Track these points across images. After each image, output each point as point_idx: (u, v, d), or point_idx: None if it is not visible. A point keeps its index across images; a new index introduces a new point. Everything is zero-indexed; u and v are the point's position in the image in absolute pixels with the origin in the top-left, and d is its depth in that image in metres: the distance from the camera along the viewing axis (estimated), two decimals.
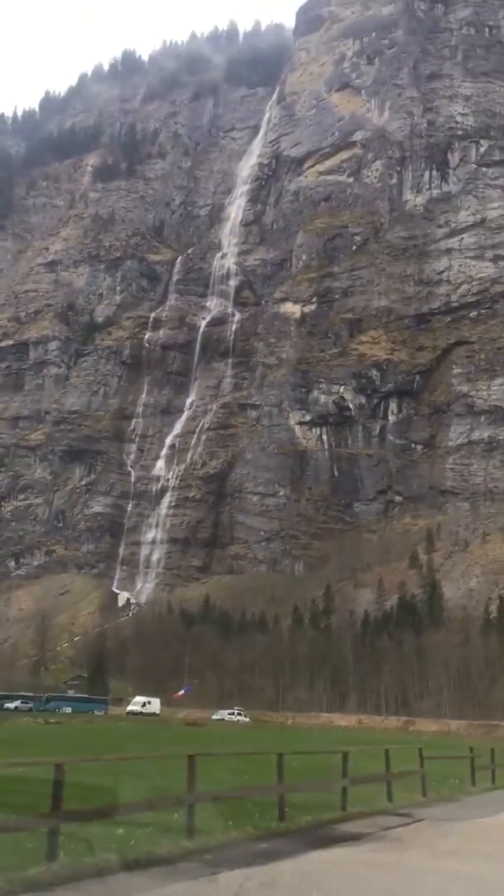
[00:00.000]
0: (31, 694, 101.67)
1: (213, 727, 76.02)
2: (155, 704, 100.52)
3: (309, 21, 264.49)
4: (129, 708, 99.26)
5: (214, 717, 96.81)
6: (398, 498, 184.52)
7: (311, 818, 17.19)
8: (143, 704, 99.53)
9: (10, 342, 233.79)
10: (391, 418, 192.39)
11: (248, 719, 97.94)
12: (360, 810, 18.93)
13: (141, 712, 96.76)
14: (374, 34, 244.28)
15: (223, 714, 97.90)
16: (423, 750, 24.71)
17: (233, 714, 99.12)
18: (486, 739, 61.46)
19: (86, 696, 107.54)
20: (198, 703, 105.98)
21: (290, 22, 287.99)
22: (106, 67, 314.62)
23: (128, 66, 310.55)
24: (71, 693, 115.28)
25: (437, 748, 33.82)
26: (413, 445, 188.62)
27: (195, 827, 13.85)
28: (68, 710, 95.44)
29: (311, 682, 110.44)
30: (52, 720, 67.03)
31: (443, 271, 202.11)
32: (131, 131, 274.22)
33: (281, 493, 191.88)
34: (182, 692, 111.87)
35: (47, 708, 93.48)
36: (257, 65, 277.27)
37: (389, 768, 21.87)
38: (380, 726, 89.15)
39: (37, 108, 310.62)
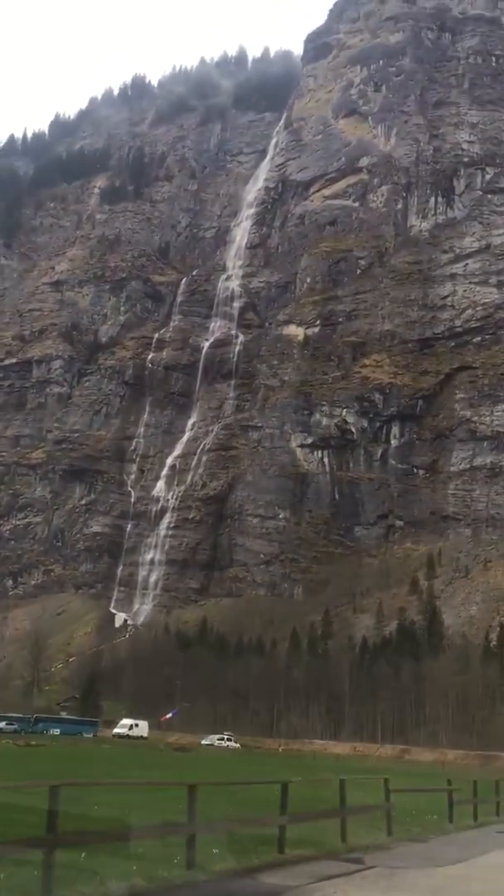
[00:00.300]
0: (18, 715, 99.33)
1: (201, 752, 73.84)
2: (142, 727, 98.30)
3: (317, 48, 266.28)
4: (116, 730, 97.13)
5: (204, 742, 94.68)
6: (399, 523, 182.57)
7: (234, 864, 14.37)
8: (130, 727, 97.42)
9: (14, 360, 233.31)
10: (393, 442, 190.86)
11: (237, 745, 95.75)
12: (301, 853, 16.20)
13: (128, 735, 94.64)
14: (381, 62, 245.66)
15: (213, 739, 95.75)
16: (407, 781, 22.75)
17: (222, 739, 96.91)
18: (483, 770, 59.32)
19: (75, 717, 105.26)
20: (189, 728, 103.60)
21: (298, 49, 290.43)
22: (116, 91, 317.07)
23: (137, 90, 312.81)
24: (63, 714, 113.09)
25: (425, 779, 31.73)
26: (415, 470, 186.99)
27: None
28: (57, 731, 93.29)
29: (306, 708, 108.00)
30: (34, 742, 64.95)
31: (447, 296, 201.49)
32: (139, 154, 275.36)
33: (281, 516, 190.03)
34: (170, 715, 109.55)
35: (35, 730, 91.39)
36: (265, 90, 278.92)
37: (345, 802, 18.91)
38: (374, 755, 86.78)
39: (46, 130, 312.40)
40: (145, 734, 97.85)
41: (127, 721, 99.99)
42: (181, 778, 25.90)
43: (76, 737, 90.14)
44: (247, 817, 18.31)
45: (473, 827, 24.85)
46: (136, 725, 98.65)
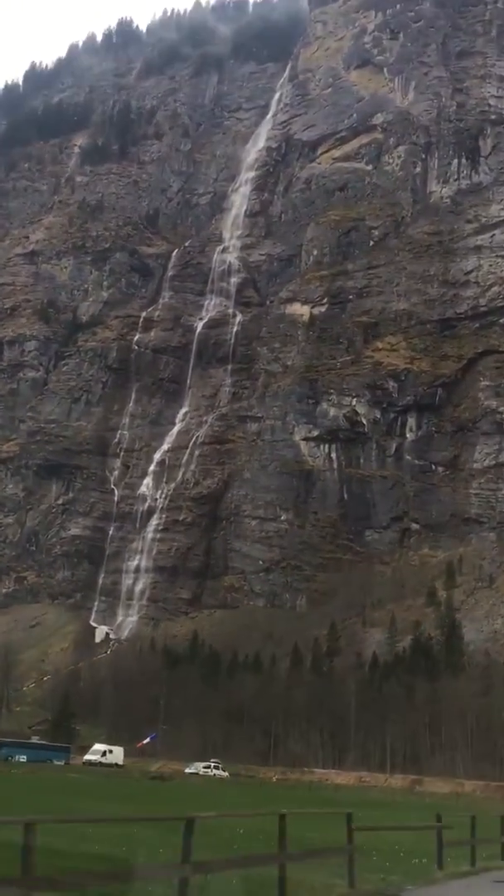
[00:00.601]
0: None
1: (184, 781, 73.91)
2: (117, 754, 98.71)
3: None
4: (87, 757, 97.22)
5: (188, 770, 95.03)
6: (415, 526, 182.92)
7: None
8: (104, 753, 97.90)
9: None
10: (409, 436, 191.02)
11: (226, 774, 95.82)
12: None
13: (100, 762, 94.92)
14: (398, 6, 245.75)
15: (198, 767, 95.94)
16: (401, 816, 22.65)
17: (209, 768, 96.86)
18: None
19: (45, 742, 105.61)
20: (175, 754, 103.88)
21: None
22: (99, 38, 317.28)
23: (123, 37, 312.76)
24: (34, 739, 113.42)
25: (425, 813, 31.06)
26: (433, 467, 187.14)
27: None
28: (23, 758, 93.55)
29: (307, 733, 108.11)
30: None
31: (471, 271, 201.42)
32: (125, 109, 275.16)
33: (283, 518, 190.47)
34: (147, 740, 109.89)
35: None
36: (268, 38, 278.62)
37: (284, 845, 15.66)
38: (383, 785, 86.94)
39: (20, 82, 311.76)
40: (120, 761, 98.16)
41: (100, 747, 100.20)
42: (133, 812, 25.94)
43: (45, 763, 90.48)
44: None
45: (468, 874, 22.72)
46: (111, 752, 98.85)
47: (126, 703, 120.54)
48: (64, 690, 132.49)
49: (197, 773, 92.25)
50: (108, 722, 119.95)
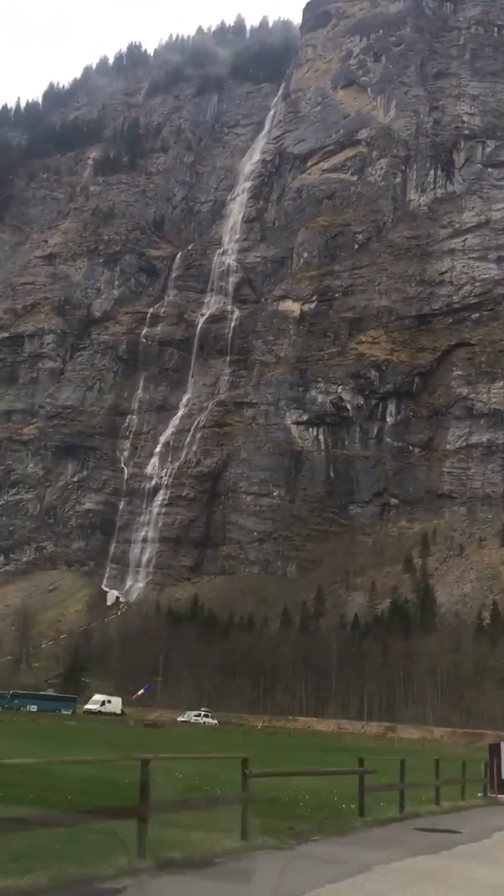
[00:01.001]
0: None
1: (172, 729, 73.19)
2: (115, 704, 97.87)
3: (316, 17, 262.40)
4: (87, 706, 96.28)
5: (180, 718, 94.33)
6: (394, 501, 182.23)
7: None
8: (103, 703, 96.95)
9: (6, 335, 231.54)
10: (389, 420, 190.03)
11: (215, 721, 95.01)
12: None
13: (100, 711, 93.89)
14: (381, 31, 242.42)
15: (189, 715, 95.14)
16: (339, 759, 20.34)
17: (199, 716, 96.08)
18: (469, 749, 59.03)
19: (54, 694, 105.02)
20: (173, 704, 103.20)
21: (298, 18, 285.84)
22: (111, 60, 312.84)
23: (133, 59, 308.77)
24: (50, 692, 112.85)
25: (392, 755, 29.66)
26: (411, 448, 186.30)
27: None
28: (34, 708, 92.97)
29: (292, 685, 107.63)
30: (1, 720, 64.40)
31: (445, 272, 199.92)
32: (134, 125, 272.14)
33: (275, 494, 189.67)
34: (141, 692, 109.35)
35: (12, 706, 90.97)
36: (263, 61, 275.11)
37: (146, 794, 11.73)
38: (359, 732, 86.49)
39: (40, 100, 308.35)
40: (118, 710, 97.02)
41: (99, 697, 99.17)
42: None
43: (53, 713, 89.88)
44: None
45: (393, 820, 19.22)
46: (109, 702, 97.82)
47: (130, 659, 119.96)
48: (75, 647, 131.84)
49: (188, 721, 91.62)
50: (114, 675, 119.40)
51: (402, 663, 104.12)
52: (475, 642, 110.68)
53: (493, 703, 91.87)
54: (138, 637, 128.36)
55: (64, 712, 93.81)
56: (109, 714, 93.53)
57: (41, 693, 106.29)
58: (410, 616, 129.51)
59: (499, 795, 27.64)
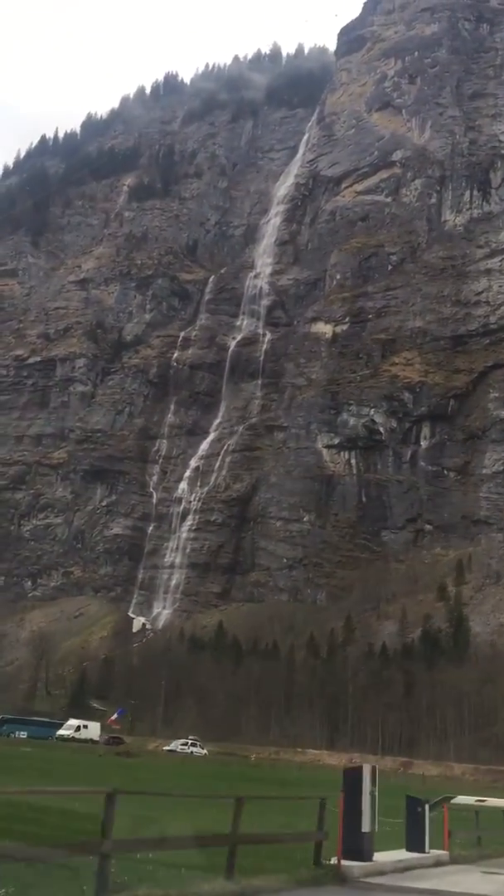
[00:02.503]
0: None
1: (146, 759, 67.20)
2: (93, 729, 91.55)
3: (351, 41, 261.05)
4: (60, 732, 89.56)
5: (166, 747, 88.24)
6: (428, 527, 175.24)
7: None
8: (77, 728, 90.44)
9: (38, 359, 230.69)
10: (423, 443, 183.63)
11: (204, 751, 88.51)
12: None
13: (73, 737, 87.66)
14: (416, 53, 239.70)
15: (176, 744, 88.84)
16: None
17: (185, 745, 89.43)
18: (491, 788, 52.76)
19: (45, 719, 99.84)
20: (172, 732, 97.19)
21: (334, 45, 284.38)
22: (148, 90, 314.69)
23: (169, 88, 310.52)
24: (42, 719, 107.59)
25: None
26: (445, 472, 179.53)
27: None
28: (23, 734, 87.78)
29: (303, 715, 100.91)
30: None
31: (481, 292, 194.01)
32: (169, 153, 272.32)
33: (305, 519, 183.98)
34: (115, 716, 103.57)
35: (1, 731, 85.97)
36: (298, 86, 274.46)
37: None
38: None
39: (78, 130, 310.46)
40: (96, 737, 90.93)
41: (73, 722, 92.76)
42: None
43: (47, 739, 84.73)
44: None
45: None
46: (85, 727, 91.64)
47: (142, 685, 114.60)
48: (83, 672, 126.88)
49: (175, 751, 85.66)
50: (119, 701, 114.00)
51: (426, 694, 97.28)
52: None
53: None
54: (153, 664, 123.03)
55: (53, 739, 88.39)
56: (85, 741, 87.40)
57: (32, 718, 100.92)
58: (442, 645, 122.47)
59: (346, 864, 16.37)
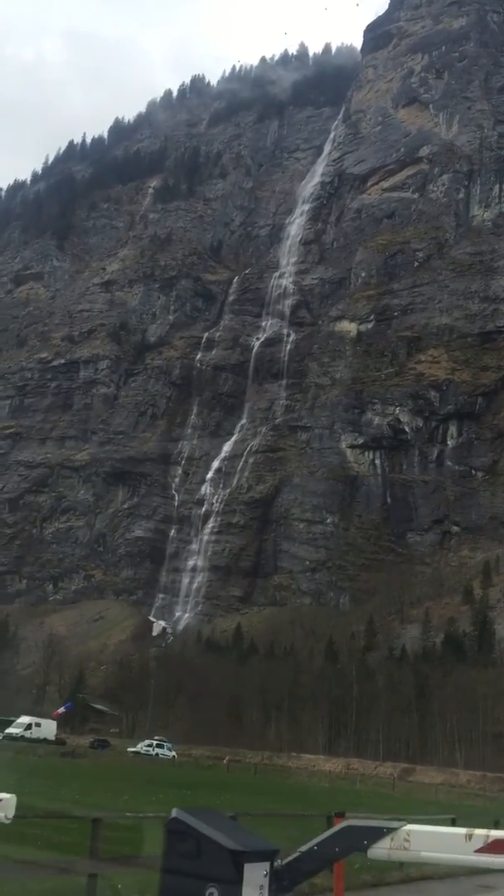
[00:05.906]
0: None
1: (96, 760, 62.02)
2: (46, 728, 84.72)
3: (377, 38, 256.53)
4: (8, 731, 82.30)
5: (130, 749, 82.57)
6: (455, 528, 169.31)
7: None
8: (28, 727, 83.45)
9: (62, 361, 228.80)
10: (450, 442, 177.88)
11: (172, 753, 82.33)
12: None
13: (22, 736, 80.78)
14: (443, 48, 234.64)
15: (140, 746, 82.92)
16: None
17: (151, 746, 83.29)
18: (494, 799, 47.77)
19: (8, 718, 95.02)
20: (159, 733, 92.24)
21: (360, 43, 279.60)
22: (175, 94, 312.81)
23: (196, 91, 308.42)
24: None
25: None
26: (473, 472, 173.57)
27: None
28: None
29: (301, 717, 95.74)
30: None
31: None
32: (194, 154, 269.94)
33: (329, 521, 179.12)
34: (61, 710, 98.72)
35: None
36: (325, 85, 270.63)
37: None
38: (371, 773, 74.36)
39: (105, 135, 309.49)
40: (50, 736, 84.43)
41: (25, 719, 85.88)
42: None
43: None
44: None
45: None
46: (38, 725, 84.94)
47: (135, 687, 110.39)
48: (79, 674, 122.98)
49: (139, 752, 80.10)
50: (126, 704, 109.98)
51: (438, 698, 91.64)
52: None
53: None
54: (161, 667, 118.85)
55: (1, 737, 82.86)
56: (36, 740, 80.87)
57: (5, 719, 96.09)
58: (465, 649, 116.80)
59: None
